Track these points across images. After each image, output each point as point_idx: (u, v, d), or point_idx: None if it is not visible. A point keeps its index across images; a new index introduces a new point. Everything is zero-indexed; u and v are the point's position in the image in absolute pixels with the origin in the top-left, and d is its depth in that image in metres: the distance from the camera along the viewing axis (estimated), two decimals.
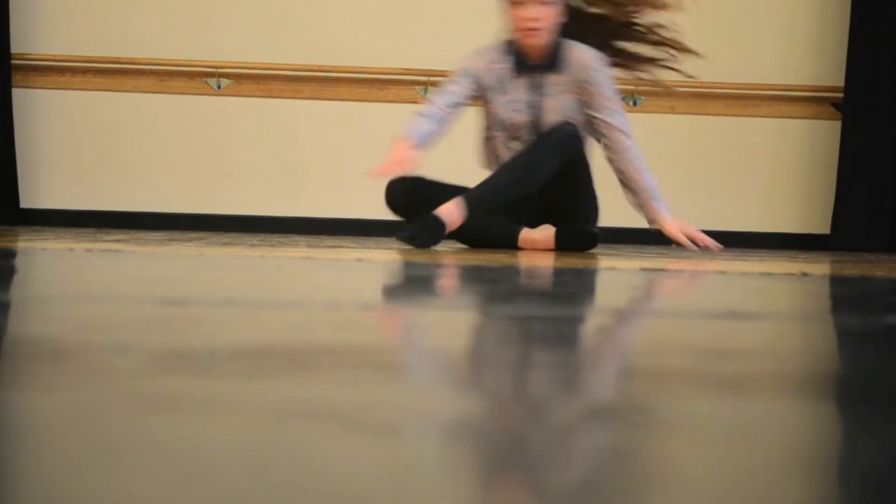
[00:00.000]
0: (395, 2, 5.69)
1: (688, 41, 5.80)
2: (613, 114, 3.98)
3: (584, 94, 3.87)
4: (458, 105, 3.90)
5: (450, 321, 1.32)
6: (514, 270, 2.46)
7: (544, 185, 3.75)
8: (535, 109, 3.85)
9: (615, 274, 2.46)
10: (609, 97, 3.94)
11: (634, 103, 5.73)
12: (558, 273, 2.49)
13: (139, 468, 0.53)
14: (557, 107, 3.83)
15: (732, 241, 5.71)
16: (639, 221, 5.79)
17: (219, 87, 5.64)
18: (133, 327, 1.14)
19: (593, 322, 1.43)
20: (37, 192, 5.53)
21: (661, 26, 4.15)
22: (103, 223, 5.40)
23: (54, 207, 5.52)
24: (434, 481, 0.52)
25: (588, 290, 2.05)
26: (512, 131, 3.87)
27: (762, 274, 2.67)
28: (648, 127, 5.77)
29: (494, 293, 1.82)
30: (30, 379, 0.80)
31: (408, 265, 2.57)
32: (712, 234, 6.03)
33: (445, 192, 3.78)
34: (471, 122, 4.38)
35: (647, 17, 4.07)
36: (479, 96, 3.91)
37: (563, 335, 1.22)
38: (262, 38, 5.63)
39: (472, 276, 2.27)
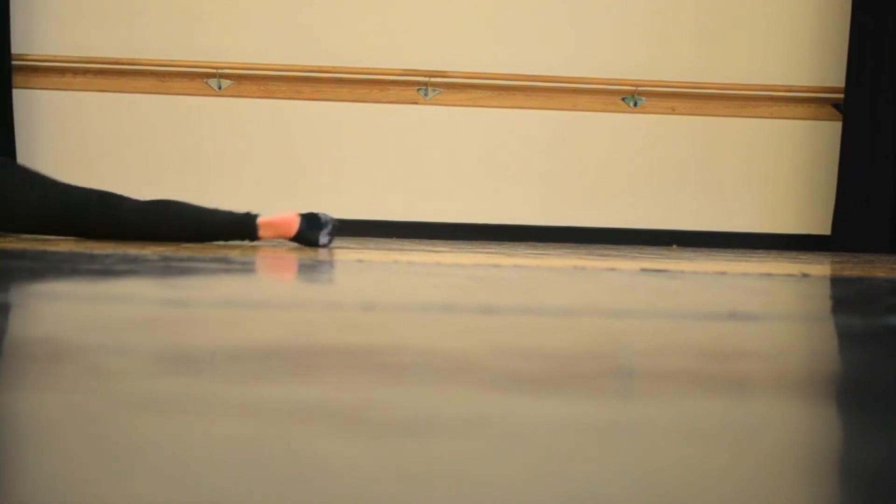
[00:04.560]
0: (395, 3, 5.69)
1: (690, 42, 5.80)
2: None
3: None
4: None
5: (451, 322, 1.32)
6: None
7: None
8: None
9: (615, 275, 2.46)
10: None
11: (635, 104, 5.73)
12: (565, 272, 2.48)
13: (139, 468, 0.53)
14: None
15: (733, 241, 5.71)
16: (638, 221, 5.79)
17: (219, 88, 5.64)
18: (133, 328, 1.14)
19: (592, 322, 1.43)
20: None
21: None
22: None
23: None
24: (435, 482, 0.52)
25: (587, 290, 2.05)
26: None
27: (763, 275, 2.67)
28: (649, 128, 5.77)
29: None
30: (31, 379, 0.79)
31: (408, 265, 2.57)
32: (713, 234, 6.04)
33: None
34: None
35: None
36: None
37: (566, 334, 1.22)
38: (263, 38, 5.63)
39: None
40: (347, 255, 3.01)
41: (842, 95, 5.79)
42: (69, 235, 3.47)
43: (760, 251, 5.18)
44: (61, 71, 5.49)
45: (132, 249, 2.88)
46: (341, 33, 5.67)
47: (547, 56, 5.74)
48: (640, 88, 5.78)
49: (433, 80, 5.73)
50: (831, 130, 5.87)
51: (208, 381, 0.80)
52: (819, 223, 5.87)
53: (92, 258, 2.46)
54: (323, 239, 3.57)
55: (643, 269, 2.64)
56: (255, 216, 3.66)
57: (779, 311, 1.78)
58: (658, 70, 5.79)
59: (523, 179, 5.77)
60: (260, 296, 1.69)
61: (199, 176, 5.67)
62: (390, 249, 3.55)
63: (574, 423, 0.69)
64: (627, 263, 2.99)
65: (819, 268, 3.26)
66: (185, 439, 0.60)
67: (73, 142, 5.51)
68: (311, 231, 3.55)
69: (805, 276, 2.64)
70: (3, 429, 0.63)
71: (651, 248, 4.93)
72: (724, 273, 2.67)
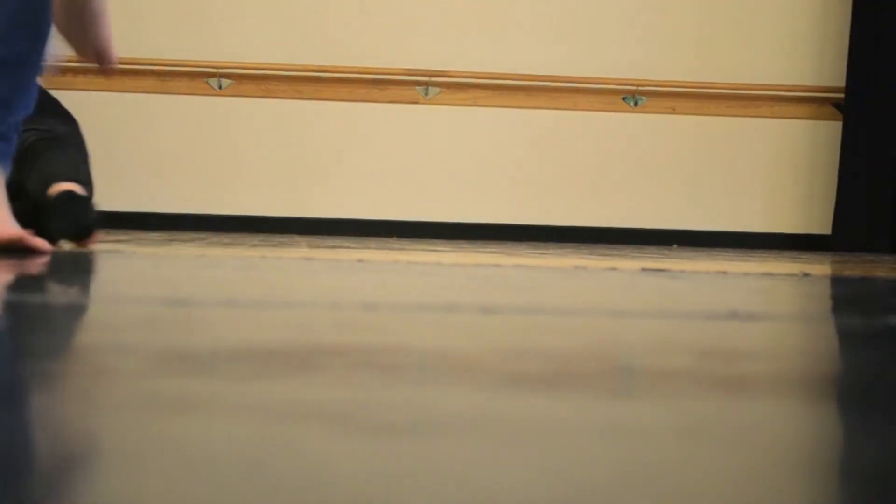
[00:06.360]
0: (395, 2, 5.69)
1: (690, 42, 5.79)
2: None
3: None
4: None
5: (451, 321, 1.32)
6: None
7: None
8: None
9: (615, 275, 2.46)
10: None
11: (636, 104, 5.73)
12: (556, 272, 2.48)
13: (139, 468, 0.53)
14: None
15: (733, 241, 5.71)
16: (639, 221, 5.78)
17: (220, 88, 5.64)
18: (134, 328, 1.14)
19: (593, 322, 1.43)
20: None
21: None
22: (104, 223, 5.40)
23: None
24: (436, 482, 0.52)
25: (587, 289, 2.05)
26: None
27: (763, 274, 2.67)
28: (650, 128, 5.77)
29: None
30: (31, 379, 0.80)
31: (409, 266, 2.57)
32: (713, 234, 6.04)
33: None
34: None
35: None
36: None
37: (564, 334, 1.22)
38: (263, 38, 5.63)
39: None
40: (347, 254, 3.01)
41: (842, 95, 5.79)
42: None
43: (761, 251, 5.18)
44: (62, 70, 5.49)
45: (132, 246, 2.88)
46: (342, 33, 5.67)
47: (547, 56, 5.73)
48: (640, 88, 5.78)
49: (433, 79, 5.73)
50: (831, 130, 5.87)
51: (208, 380, 0.80)
52: (819, 223, 5.87)
53: (93, 257, 2.46)
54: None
55: (644, 269, 2.64)
56: None
57: (780, 311, 1.79)
58: (659, 70, 5.79)
59: (524, 179, 5.77)
60: (261, 296, 1.69)
61: (200, 176, 5.67)
62: (391, 249, 3.55)
63: (574, 423, 0.69)
64: (628, 263, 2.99)
65: (819, 268, 3.26)
66: (185, 439, 0.60)
67: None
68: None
69: (806, 275, 2.64)
70: (6, 429, 0.63)
71: (652, 248, 4.92)
72: (724, 273, 2.67)
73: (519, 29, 5.70)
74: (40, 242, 2.39)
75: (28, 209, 2.86)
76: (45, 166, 2.97)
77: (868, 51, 5.65)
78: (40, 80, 3.27)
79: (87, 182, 2.99)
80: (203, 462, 0.54)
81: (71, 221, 2.80)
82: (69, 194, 2.85)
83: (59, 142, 3.09)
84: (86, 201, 2.87)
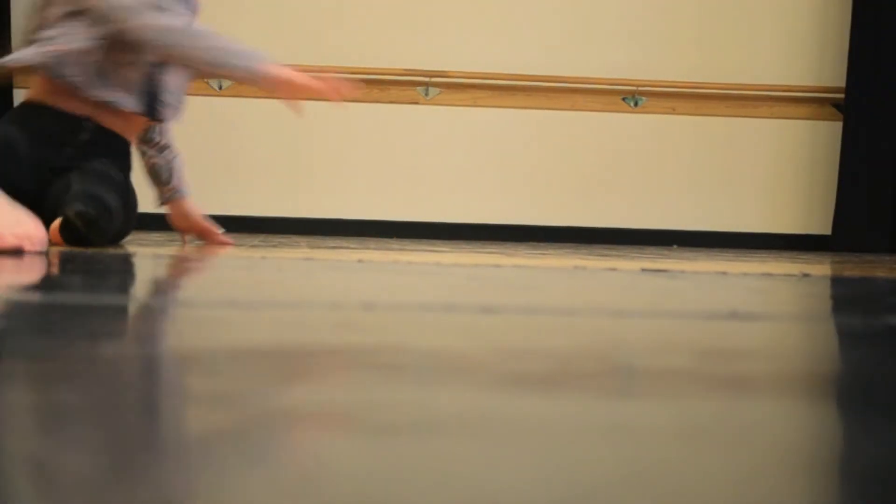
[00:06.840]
0: (395, 3, 5.69)
1: (690, 42, 5.79)
2: None
3: None
4: None
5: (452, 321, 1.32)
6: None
7: None
8: None
9: (615, 275, 2.46)
10: None
11: (635, 104, 5.73)
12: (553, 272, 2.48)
13: (138, 468, 0.53)
14: None
15: (733, 241, 5.71)
16: (639, 221, 5.79)
17: (220, 88, 5.64)
18: (134, 328, 1.14)
19: (593, 322, 1.43)
20: None
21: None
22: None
23: None
24: (435, 482, 0.52)
25: (587, 290, 2.05)
26: None
27: (763, 274, 2.67)
28: (649, 128, 5.77)
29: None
30: (32, 380, 0.80)
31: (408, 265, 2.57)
32: (714, 234, 6.04)
33: None
34: None
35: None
36: None
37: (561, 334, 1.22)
38: (264, 38, 5.63)
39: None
40: (347, 255, 3.01)
41: (842, 95, 5.79)
42: None
43: (760, 251, 5.18)
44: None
45: (132, 247, 2.88)
46: (341, 33, 5.67)
47: (547, 56, 5.73)
48: (640, 88, 5.78)
49: (433, 79, 5.72)
50: (831, 130, 5.87)
51: (207, 380, 0.80)
52: (819, 223, 5.87)
53: (93, 258, 2.46)
54: None
55: (644, 269, 2.64)
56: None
57: (779, 311, 1.79)
58: (658, 70, 5.79)
59: (523, 179, 5.77)
60: (261, 296, 1.69)
61: (200, 176, 5.66)
62: (390, 249, 3.55)
63: (574, 423, 0.69)
64: (628, 263, 2.99)
65: (819, 268, 3.26)
66: (183, 438, 0.60)
67: None
68: None
69: (805, 275, 2.64)
70: (8, 429, 0.63)
71: (651, 248, 4.92)
72: (724, 273, 2.67)
73: (519, 29, 5.70)
74: (36, 244, 2.39)
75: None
76: (88, 182, 2.99)
77: (868, 51, 5.65)
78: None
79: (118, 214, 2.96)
80: (202, 462, 0.54)
81: (84, 203, 2.84)
82: (100, 197, 2.88)
83: (113, 182, 3.10)
84: (110, 207, 2.87)
